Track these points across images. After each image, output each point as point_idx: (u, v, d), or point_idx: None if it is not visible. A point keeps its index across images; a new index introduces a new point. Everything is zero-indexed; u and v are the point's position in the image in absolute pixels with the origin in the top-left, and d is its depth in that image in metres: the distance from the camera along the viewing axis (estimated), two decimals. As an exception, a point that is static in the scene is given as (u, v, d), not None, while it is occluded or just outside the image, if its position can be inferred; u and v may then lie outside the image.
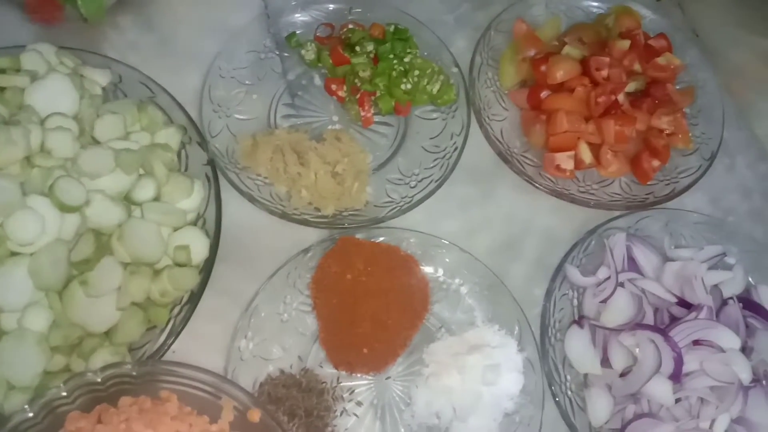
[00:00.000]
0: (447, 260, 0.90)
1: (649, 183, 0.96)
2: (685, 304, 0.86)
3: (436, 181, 0.93)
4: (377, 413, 0.83)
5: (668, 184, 0.97)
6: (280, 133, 0.93)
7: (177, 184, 0.86)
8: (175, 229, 0.84)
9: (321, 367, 0.84)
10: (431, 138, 0.98)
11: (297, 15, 1.05)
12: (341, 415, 0.81)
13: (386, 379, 0.84)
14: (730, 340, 0.82)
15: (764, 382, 0.83)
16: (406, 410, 0.82)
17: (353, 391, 0.83)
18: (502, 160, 0.96)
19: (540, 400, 0.82)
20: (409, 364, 0.85)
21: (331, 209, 0.89)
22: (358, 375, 0.84)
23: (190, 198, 0.86)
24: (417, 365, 0.85)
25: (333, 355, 0.84)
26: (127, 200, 0.84)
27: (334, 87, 0.99)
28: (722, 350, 0.82)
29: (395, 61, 0.97)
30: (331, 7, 1.05)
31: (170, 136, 0.90)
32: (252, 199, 0.89)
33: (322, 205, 0.90)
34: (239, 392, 0.72)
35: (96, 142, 0.86)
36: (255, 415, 0.70)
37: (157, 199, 0.85)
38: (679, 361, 0.80)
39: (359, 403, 0.83)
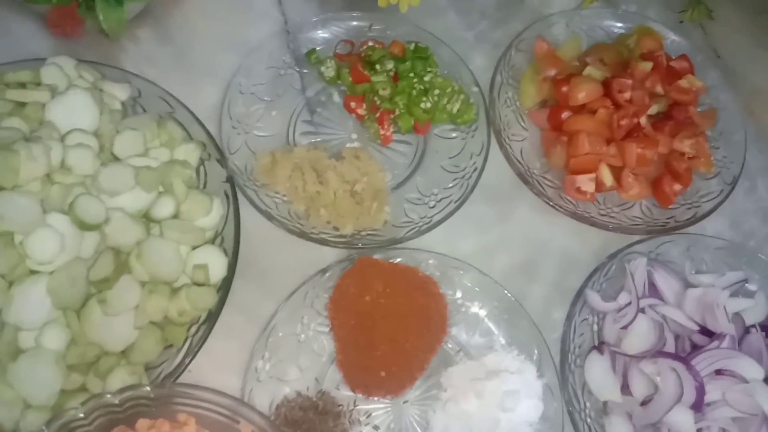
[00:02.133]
0: (466, 282, 0.89)
1: (670, 207, 0.96)
2: (706, 332, 0.85)
3: (456, 201, 0.92)
4: (395, 438, 0.82)
5: (690, 208, 0.96)
6: (300, 150, 0.93)
7: (196, 201, 0.85)
8: (194, 248, 0.84)
9: (338, 389, 0.83)
10: (450, 157, 0.97)
11: (317, 31, 1.04)
12: (359, 438, 0.81)
13: (403, 403, 0.83)
14: (754, 371, 0.81)
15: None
16: (423, 435, 0.82)
17: (370, 414, 0.82)
18: (522, 181, 0.95)
19: (560, 427, 0.81)
20: (426, 387, 0.84)
21: (349, 229, 0.89)
22: (375, 398, 0.83)
23: (209, 216, 0.86)
24: (434, 389, 0.84)
25: (350, 378, 0.83)
26: (146, 218, 0.83)
27: (353, 105, 0.98)
28: (745, 380, 0.81)
29: (415, 80, 0.97)
30: (352, 24, 1.04)
31: (189, 153, 0.90)
32: (270, 217, 0.88)
33: (340, 224, 0.89)
34: (257, 416, 0.71)
35: (115, 158, 0.86)
36: (274, 442, 0.70)
37: (176, 216, 0.84)
38: (701, 391, 0.79)
39: (376, 427, 0.82)
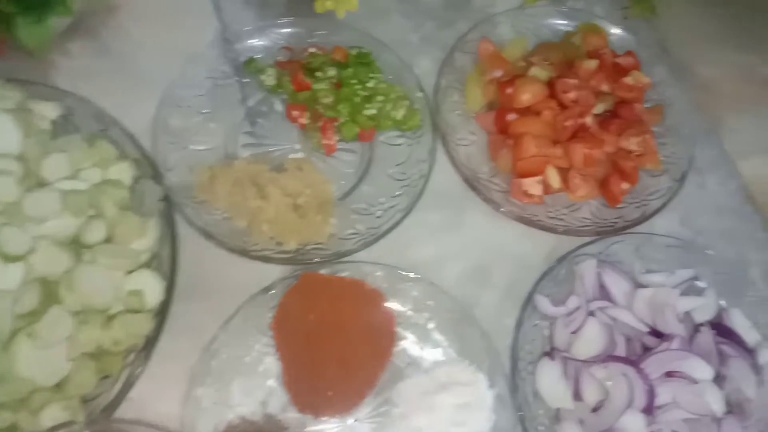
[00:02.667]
0: (415, 293, 0.87)
1: (618, 206, 0.94)
2: (657, 334, 0.84)
3: (403, 210, 0.90)
4: (345, 457, 0.80)
5: (638, 206, 0.94)
6: (240, 164, 0.90)
7: (129, 223, 0.82)
8: (129, 272, 0.81)
9: (285, 412, 0.80)
10: (397, 165, 0.95)
11: (257, 39, 1.01)
12: (308, 460, 0.79)
13: (354, 421, 0.81)
14: (703, 371, 0.80)
15: (738, 410, 0.82)
16: (375, 453, 0.80)
17: (319, 435, 0.81)
18: (469, 187, 0.93)
19: (512, 437, 0.80)
20: (377, 404, 0.82)
21: (293, 244, 0.86)
22: (324, 419, 0.81)
23: (144, 237, 0.83)
24: (385, 405, 0.82)
25: (297, 399, 0.80)
26: (77, 244, 0.80)
27: (295, 114, 0.95)
28: (695, 381, 0.80)
29: (358, 87, 0.94)
30: (293, 30, 1.01)
31: (123, 172, 0.86)
32: (210, 236, 0.86)
33: (284, 239, 0.86)
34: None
35: (44, 182, 0.82)
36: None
37: (108, 240, 0.81)
38: (651, 395, 0.79)
39: (325, 448, 0.80)
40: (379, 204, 0.92)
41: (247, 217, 0.87)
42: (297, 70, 0.95)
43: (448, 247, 0.93)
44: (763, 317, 0.90)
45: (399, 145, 0.96)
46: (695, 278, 0.91)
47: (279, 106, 0.98)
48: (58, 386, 0.75)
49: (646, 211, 0.94)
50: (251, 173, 0.88)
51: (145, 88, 0.96)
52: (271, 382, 0.81)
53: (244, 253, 0.85)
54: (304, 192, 0.87)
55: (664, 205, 0.95)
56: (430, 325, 0.86)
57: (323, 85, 0.94)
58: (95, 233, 0.80)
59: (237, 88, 0.98)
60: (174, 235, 0.84)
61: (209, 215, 0.88)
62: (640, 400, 0.78)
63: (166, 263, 0.83)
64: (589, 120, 0.93)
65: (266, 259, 0.86)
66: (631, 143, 0.95)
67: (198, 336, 0.82)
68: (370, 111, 0.94)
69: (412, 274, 0.87)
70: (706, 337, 0.84)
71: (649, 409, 0.79)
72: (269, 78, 0.97)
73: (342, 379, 0.81)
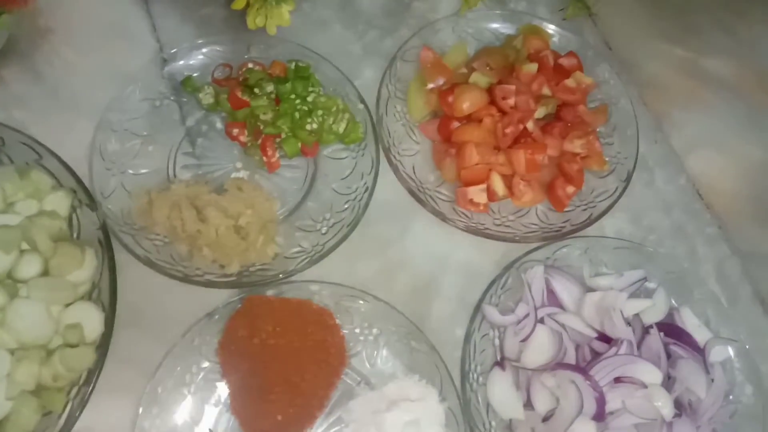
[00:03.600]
0: (363, 310, 0.86)
1: (565, 210, 0.94)
2: (605, 338, 0.84)
3: (349, 225, 0.89)
4: (297, 481, 0.79)
5: (585, 209, 0.94)
6: (178, 187, 0.88)
7: (66, 254, 0.80)
8: (66, 305, 0.79)
9: (234, 437, 0.80)
10: (342, 179, 0.93)
11: (194, 57, 0.98)
12: (258, 487, 0.78)
13: (305, 444, 0.81)
14: (652, 375, 0.80)
15: (689, 410, 0.83)
16: (327, 475, 0.79)
17: (270, 459, 0.80)
18: (414, 198, 0.92)
19: (464, 451, 0.79)
20: (329, 424, 0.82)
21: (236, 266, 0.85)
22: (275, 442, 0.80)
23: (82, 268, 0.81)
24: (337, 425, 0.81)
25: (246, 425, 0.79)
26: (10, 279, 0.78)
27: (235, 132, 0.94)
28: (644, 386, 0.80)
29: (298, 101, 0.93)
30: (229, 46, 0.99)
31: (59, 202, 0.84)
32: (150, 263, 0.84)
33: (226, 262, 0.85)
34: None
35: (-27, 217, 0.80)
36: None
37: (44, 273, 0.79)
38: (601, 401, 0.78)
39: (277, 473, 0.79)
40: (325, 220, 0.90)
41: (187, 242, 0.85)
42: (234, 87, 0.94)
43: (395, 260, 0.92)
44: (713, 314, 0.91)
45: (343, 158, 0.95)
46: (645, 279, 0.91)
47: (219, 125, 0.96)
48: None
49: (593, 213, 0.94)
50: (190, 196, 0.86)
51: (81, 113, 0.94)
52: (219, 409, 0.80)
53: (187, 279, 0.84)
54: (245, 212, 0.85)
55: (610, 207, 0.95)
56: (380, 342, 0.85)
57: (261, 101, 0.92)
58: (29, 268, 0.78)
59: (176, 108, 0.96)
60: (113, 265, 0.82)
61: (149, 241, 0.86)
62: (590, 407, 0.78)
63: (106, 294, 0.81)
64: (530, 125, 0.92)
65: (210, 284, 0.84)
66: (575, 146, 0.94)
67: (143, 365, 0.81)
68: (311, 125, 0.92)
69: (359, 291, 0.86)
70: (655, 339, 0.84)
71: (599, 416, 0.78)
72: (207, 96, 0.95)
73: (290, 402, 0.80)
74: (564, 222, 0.93)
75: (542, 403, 0.80)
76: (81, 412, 0.76)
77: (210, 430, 0.79)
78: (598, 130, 0.99)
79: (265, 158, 0.92)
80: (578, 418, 0.78)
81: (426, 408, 0.80)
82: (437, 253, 0.93)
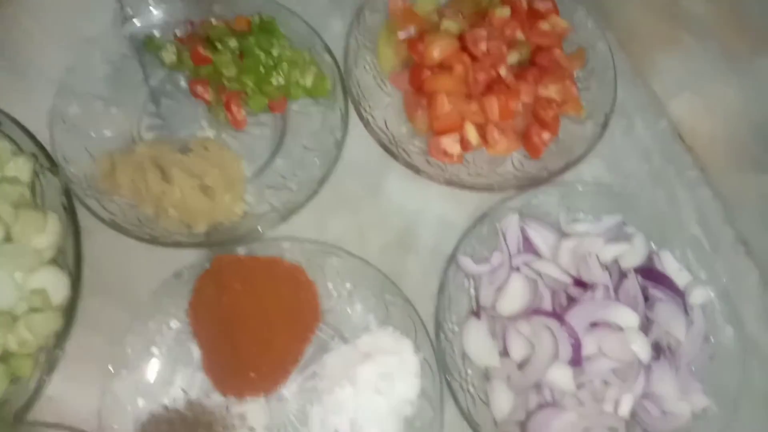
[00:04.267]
0: (336, 265, 0.84)
1: (541, 157, 0.92)
2: (582, 284, 0.82)
3: (319, 180, 0.87)
4: (273, 436, 0.79)
5: (562, 155, 0.92)
6: (141, 148, 0.86)
7: (28, 220, 0.79)
8: (31, 271, 0.78)
9: (209, 396, 0.78)
10: (311, 134, 0.91)
11: (156, 15, 0.96)
12: (234, 443, 0.77)
13: (279, 399, 0.80)
14: (628, 318, 0.79)
15: (668, 353, 0.81)
16: (302, 430, 0.78)
17: (245, 417, 0.79)
18: (386, 151, 0.90)
19: (439, 401, 0.78)
20: (303, 379, 0.81)
21: (203, 226, 0.83)
22: (250, 400, 0.79)
23: (45, 234, 0.79)
24: (312, 380, 0.80)
25: (219, 383, 0.78)
26: (-28, 246, 0.77)
27: (199, 90, 0.91)
28: (621, 329, 0.79)
29: (262, 56, 0.90)
30: (191, 4, 0.96)
31: (20, 168, 0.83)
32: (116, 226, 0.82)
33: (193, 222, 0.83)
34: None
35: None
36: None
37: (7, 240, 0.78)
38: (577, 347, 0.77)
39: (252, 429, 0.78)
40: (295, 176, 0.89)
41: (153, 203, 0.83)
42: (196, 43, 0.91)
43: (369, 215, 0.91)
44: (694, 258, 0.89)
45: (312, 113, 0.93)
46: (623, 224, 0.89)
47: (183, 84, 0.94)
48: (-35, 394, 0.73)
49: (570, 159, 0.91)
50: (154, 157, 0.84)
51: (41, 78, 0.91)
52: (192, 369, 0.80)
53: (154, 240, 0.82)
54: (211, 172, 0.84)
55: (587, 152, 0.92)
56: (354, 296, 0.84)
57: (225, 57, 0.89)
58: (-10, 234, 0.77)
59: (138, 69, 0.94)
60: (77, 229, 0.81)
61: (114, 204, 0.84)
62: (566, 352, 0.77)
63: (71, 259, 0.79)
64: (503, 71, 0.90)
65: (178, 245, 0.83)
66: (550, 91, 0.92)
67: (112, 329, 0.80)
68: (277, 80, 0.90)
69: (331, 247, 0.85)
70: (632, 283, 0.82)
71: (576, 361, 0.77)
72: (169, 54, 0.92)
73: (263, 359, 0.79)
74: (540, 169, 0.91)
75: (518, 350, 0.79)
76: (50, 377, 0.76)
77: (183, 390, 0.78)
78: (574, 75, 0.96)
79: (230, 115, 0.89)
80: (554, 363, 0.77)
81: (400, 360, 0.79)
82: (411, 206, 0.92)
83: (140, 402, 0.77)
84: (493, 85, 0.90)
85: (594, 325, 0.79)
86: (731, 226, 0.95)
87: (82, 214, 0.83)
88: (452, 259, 0.86)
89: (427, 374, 0.80)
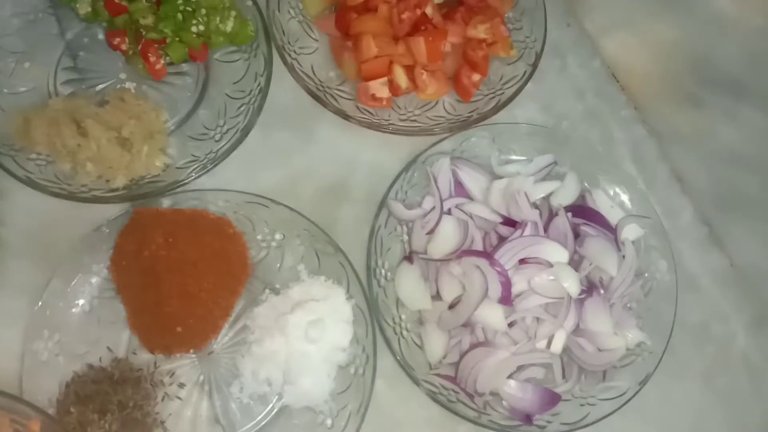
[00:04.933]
0: (265, 216, 0.82)
1: (472, 99, 0.90)
2: (512, 223, 0.82)
3: (242, 129, 0.85)
4: (204, 391, 0.77)
5: (493, 97, 0.90)
6: (56, 102, 0.82)
7: (-64, 180, 0.76)
8: (-60, 232, 0.75)
9: (135, 354, 0.77)
10: (235, 83, 0.89)
11: (68, -37, 0.92)
12: (163, 400, 0.75)
13: (210, 353, 0.78)
14: (557, 254, 0.78)
15: (601, 289, 0.81)
16: (234, 383, 0.77)
17: (174, 372, 0.77)
18: (313, 98, 0.88)
19: (373, 347, 0.78)
20: (235, 333, 0.80)
21: (121, 180, 0.81)
22: (179, 355, 0.78)
23: (-44, 194, 0.76)
24: (243, 333, 0.79)
25: (146, 340, 0.77)
26: None
27: (116, 41, 0.87)
28: (551, 265, 0.79)
29: (180, 2, 0.86)
30: (104, -51, 0.92)
31: (-74, 127, 0.79)
32: (33, 184, 0.79)
33: (110, 176, 0.80)
34: (17, 403, 0.65)
35: None
36: (35, 426, 0.63)
37: None
38: (506, 284, 0.77)
39: (182, 385, 0.77)
40: (218, 126, 0.86)
41: (69, 158, 0.80)
42: (110, -9, 0.87)
43: (298, 165, 0.89)
44: (629, 195, 0.89)
45: (235, 61, 0.90)
46: (555, 164, 0.88)
47: (101, 36, 0.90)
48: None
49: (500, 100, 0.90)
50: (68, 110, 0.81)
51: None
52: (116, 326, 0.77)
53: (72, 196, 0.79)
54: (128, 123, 0.80)
55: (518, 93, 0.91)
56: (284, 247, 0.82)
57: (140, 5, 0.85)
58: None
59: (53, 22, 0.90)
60: (-10, 188, 0.78)
61: (31, 162, 0.81)
62: (495, 290, 0.77)
63: (-15, 218, 0.77)
64: (429, 10, 0.87)
65: (97, 200, 0.80)
66: (480, 31, 0.90)
67: (32, 290, 0.77)
68: (197, 27, 0.86)
69: (258, 197, 0.82)
70: (562, 220, 0.82)
71: (506, 299, 0.77)
72: (84, 6, 0.87)
73: (190, 313, 0.77)
74: (471, 112, 0.89)
75: (449, 291, 0.79)
76: (-32, 341, 0.74)
77: (108, 348, 0.76)
78: (506, 15, 0.95)
79: (148, 66, 0.86)
80: (485, 302, 0.77)
81: (331, 307, 0.78)
82: (342, 155, 0.90)
83: (63, 362, 0.75)
84: (420, 26, 0.87)
85: (523, 262, 0.79)
86: (666, 162, 0.95)
87: (-1, 173, 0.80)
88: (382, 204, 0.84)
89: (360, 321, 0.79)
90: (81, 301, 0.77)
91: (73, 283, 0.77)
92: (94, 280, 0.78)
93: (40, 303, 0.75)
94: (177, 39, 0.86)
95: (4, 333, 0.76)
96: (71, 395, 0.73)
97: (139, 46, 0.86)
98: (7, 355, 0.75)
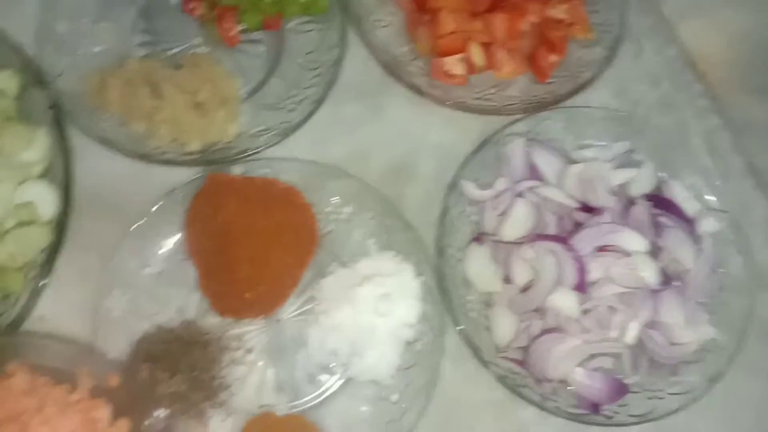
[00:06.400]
0: (335, 188, 0.82)
1: (548, 81, 0.88)
2: (588, 209, 0.80)
3: (316, 101, 0.84)
4: (270, 358, 0.77)
5: (569, 80, 0.88)
6: (131, 64, 0.83)
7: (15, 134, 0.76)
8: (19, 184, 0.75)
9: (205, 317, 0.77)
10: (308, 53, 0.88)
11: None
12: (230, 364, 0.75)
13: (277, 321, 0.78)
14: (637, 243, 0.76)
15: (677, 282, 0.79)
16: (300, 351, 0.77)
17: (242, 338, 0.77)
18: (388, 72, 0.87)
19: (440, 325, 0.77)
20: (301, 302, 0.79)
21: (196, 144, 0.81)
22: (247, 321, 0.78)
23: (32, 148, 0.76)
24: (310, 303, 0.79)
25: (216, 303, 0.77)
26: (-44, 157, 0.74)
27: (192, 6, 0.87)
28: (628, 254, 0.77)
29: (257, -32, 0.86)
30: None
31: (6, 81, 0.80)
32: (107, 143, 0.80)
33: (185, 140, 0.80)
34: (98, 357, 0.65)
35: None
36: (113, 380, 0.64)
37: (-7, 151, 0.75)
38: (582, 271, 0.75)
39: (249, 350, 0.76)
40: (291, 97, 0.85)
41: (144, 120, 0.80)
42: (188, -45, 0.87)
43: (369, 138, 0.88)
44: (704, 187, 0.87)
45: (309, 31, 0.89)
46: (631, 151, 0.86)
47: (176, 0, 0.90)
48: (-45, 307, 0.71)
49: (578, 83, 0.88)
50: (144, 72, 0.81)
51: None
52: (187, 288, 0.78)
53: (146, 158, 0.80)
54: (203, 88, 0.80)
55: (596, 77, 0.89)
56: (354, 220, 0.82)
57: (218, -30, 0.85)
58: (-25, 145, 0.74)
59: (129, -16, 0.90)
60: (67, 145, 0.78)
61: (104, 122, 0.81)
62: (571, 276, 0.75)
63: (61, 174, 0.77)
64: (510, -13, 0.86)
65: (171, 163, 0.80)
66: (559, 11, 0.88)
67: (104, 248, 0.78)
68: (273, -5, 0.86)
69: (330, 168, 0.82)
70: (641, 209, 0.80)
71: (581, 286, 0.75)
72: (161, -31, 0.88)
73: (260, 280, 0.77)
74: (546, 94, 0.87)
75: (520, 275, 0.77)
76: (41, 293, 0.74)
77: (178, 309, 0.77)
78: (583, -3, 0.92)
79: (222, 32, 0.85)
80: (559, 288, 0.75)
81: (400, 282, 0.77)
82: (411, 132, 0.89)
83: (134, 321, 0.75)
84: (499, 3, 0.86)
85: (601, 249, 0.77)
86: (741, 155, 0.92)
87: (72, 133, 0.80)
88: (454, 184, 0.83)
89: (428, 298, 0.78)
90: (152, 262, 0.78)
91: (146, 244, 0.77)
92: (166, 242, 0.78)
93: (112, 262, 0.76)
94: (252, 6, 0.86)
95: (77, 289, 0.77)
96: (141, 354, 0.74)
97: (215, 12, 0.85)
98: (81, 311, 0.76)
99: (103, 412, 0.63)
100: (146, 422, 0.66)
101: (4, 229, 0.73)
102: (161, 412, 0.70)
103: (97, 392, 0.65)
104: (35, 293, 0.73)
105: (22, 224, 0.73)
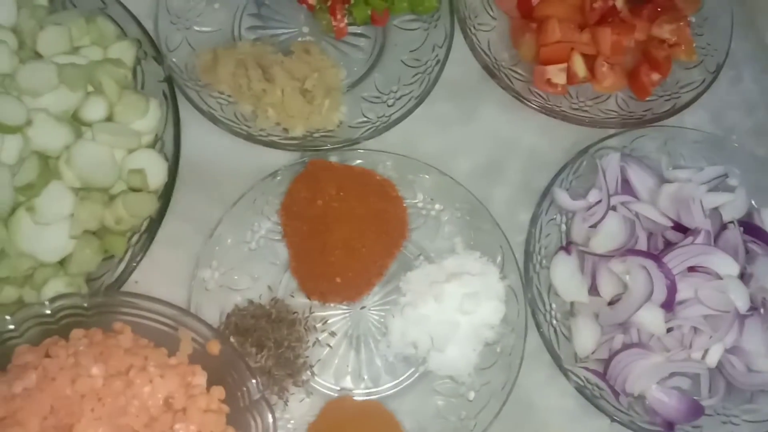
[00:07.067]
0: (426, 184, 0.83)
1: (648, 99, 0.88)
2: (681, 229, 0.80)
3: (416, 98, 0.85)
4: (352, 343, 0.79)
5: (668, 99, 0.88)
6: (244, 45, 0.85)
7: (130, 102, 0.79)
8: (130, 152, 0.78)
9: (293, 297, 0.79)
10: (411, 51, 0.89)
11: None
12: (314, 345, 0.78)
13: (361, 308, 0.80)
14: (728, 267, 0.76)
15: (762, 310, 0.79)
16: (382, 340, 0.78)
17: (327, 321, 0.79)
18: (489, 75, 0.87)
19: (522, 329, 0.77)
20: (385, 293, 0.81)
21: (300, 130, 0.83)
22: (332, 305, 0.79)
23: (146, 118, 0.79)
24: (394, 294, 0.80)
25: (305, 285, 0.79)
26: (76, 120, 0.77)
27: (306, -5, 0.90)
28: (719, 277, 0.77)
29: (371, -36, 0.88)
30: None
31: (124, 51, 0.82)
32: (214, 119, 0.82)
33: (290, 125, 0.82)
34: (198, 324, 0.67)
35: (40, 56, 0.78)
36: (214, 347, 0.66)
37: (109, 119, 0.78)
38: (672, 289, 0.75)
39: (333, 334, 0.79)
40: (392, 92, 0.87)
41: (252, 101, 0.83)
42: (304, -54, 0.89)
43: (461, 138, 0.89)
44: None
45: (414, 29, 0.91)
46: (725, 176, 0.86)
47: (287, -13, 0.92)
48: (62, 263, 0.74)
49: (676, 104, 0.88)
50: (256, 55, 0.83)
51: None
52: (278, 268, 0.80)
53: (250, 138, 0.82)
54: (311, 76, 0.82)
55: (695, 99, 0.89)
56: (443, 217, 0.83)
57: (334, -37, 0.87)
58: (95, 110, 0.77)
59: (242, -34, 0.93)
60: (177, 117, 0.81)
61: (213, 99, 0.84)
62: (660, 294, 0.75)
63: (170, 145, 0.79)
64: (619, 3, 0.86)
65: (273, 145, 0.82)
66: (664, 31, 0.88)
67: (202, 221, 0.81)
68: (384, -9, 0.87)
69: (425, 164, 0.83)
70: (734, 233, 0.80)
71: (669, 304, 0.75)
72: (278, -43, 0.90)
73: (350, 266, 0.79)
74: (645, 111, 0.88)
75: (608, 287, 0.78)
76: (141, 258, 0.76)
77: (269, 287, 0.79)
78: (689, 18, 0.92)
79: (334, 23, 0.87)
80: (646, 304, 0.75)
81: (485, 283, 0.78)
82: (506, 135, 0.90)
83: (226, 294, 0.78)
84: (608, 17, 0.86)
85: (691, 270, 0.77)
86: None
87: (181, 106, 0.82)
88: (547, 191, 0.84)
89: (512, 302, 0.79)
90: (248, 240, 0.80)
91: (244, 221, 0.80)
92: (264, 221, 0.81)
93: (212, 236, 0.78)
94: (363, 0, 0.88)
95: (172, 255, 0.80)
96: (231, 326, 0.76)
97: (328, 3, 0.87)
98: (174, 279, 0.79)
99: (200, 378, 0.65)
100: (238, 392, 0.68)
101: (114, 194, 0.76)
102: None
103: (194, 358, 0.67)
104: (136, 257, 0.76)
105: (132, 190, 0.76)
